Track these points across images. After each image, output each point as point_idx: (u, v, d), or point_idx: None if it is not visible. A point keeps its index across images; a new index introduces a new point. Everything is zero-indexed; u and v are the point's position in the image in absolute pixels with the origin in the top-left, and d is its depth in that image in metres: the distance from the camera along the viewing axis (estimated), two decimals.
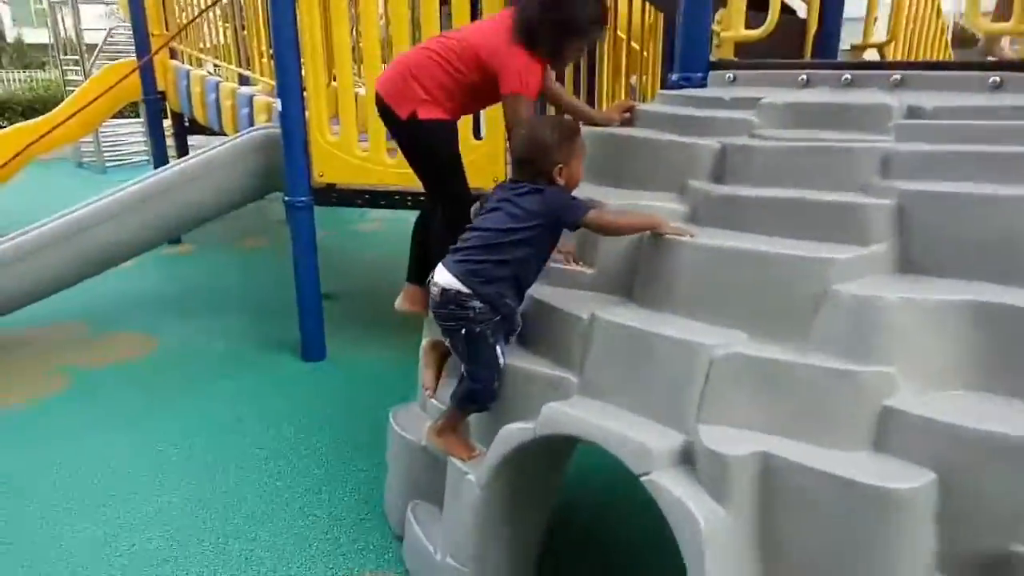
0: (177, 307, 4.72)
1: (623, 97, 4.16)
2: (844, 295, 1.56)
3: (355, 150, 3.47)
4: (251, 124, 4.64)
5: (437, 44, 2.37)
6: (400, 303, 2.66)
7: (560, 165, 1.92)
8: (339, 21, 3.37)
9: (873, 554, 1.38)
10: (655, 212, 1.95)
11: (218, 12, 5.54)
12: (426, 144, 2.43)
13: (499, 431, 1.83)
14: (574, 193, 1.98)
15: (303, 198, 3.52)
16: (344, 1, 3.33)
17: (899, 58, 3.60)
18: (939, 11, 3.84)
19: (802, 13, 3.39)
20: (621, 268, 1.99)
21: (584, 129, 2.18)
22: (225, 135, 5.19)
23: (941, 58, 3.96)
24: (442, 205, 2.49)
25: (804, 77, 2.37)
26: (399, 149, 2.62)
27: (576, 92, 3.81)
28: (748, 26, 2.62)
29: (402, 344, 3.87)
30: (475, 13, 3.17)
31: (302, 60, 3.39)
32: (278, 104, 3.48)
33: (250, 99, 4.77)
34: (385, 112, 2.43)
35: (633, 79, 3.87)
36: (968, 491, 1.36)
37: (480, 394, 1.95)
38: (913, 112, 1.99)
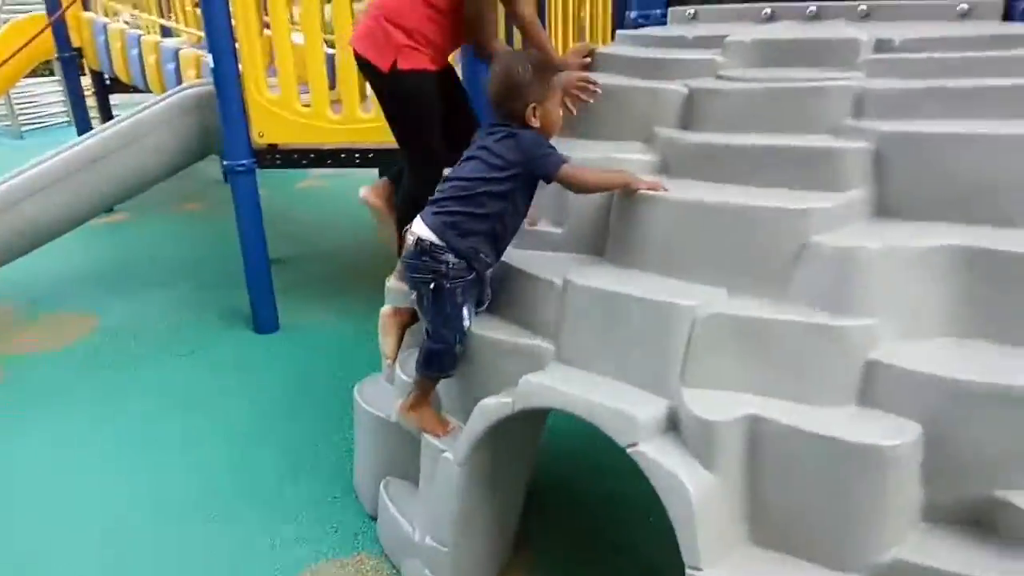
0: (115, 282, 4.46)
1: (572, 35, 4.02)
2: (824, 247, 1.51)
3: (296, 106, 3.27)
4: (179, 81, 4.35)
5: None
6: (365, 191, 2.55)
7: (533, 104, 1.79)
8: None
9: (860, 509, 1.37)
10: (627, 167, 1.85)
11: None
12: (406, 96, 2.29)
13: (476, 406, 1.75)
14: (553, 142, 1.86)
15: (244, 161, 3.31)
16: None
17: None
18: None
19: None
20: (592, 226, 1.90)
21: None
22: (151, 92, 4.87)
23: None
24: (413, 163, 2.36)
25: (768, 11, 2.27)
26: (378, 103, 2.48)
27: None
28: None
29: (358, 310, 3.76)
30: None
31: (231, 7, 3.13)
32: (209, 60, 3.23)
33: (176, 53, 4.46)
34: (365, 67, 2.31)
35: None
36: (953, 441, 1.34)
37: (440, 356, 1.86)
38: (882, 45, 1.91)
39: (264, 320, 3.63)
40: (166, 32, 5.18)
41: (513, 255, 1.95)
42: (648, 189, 1.73)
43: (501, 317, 1.93)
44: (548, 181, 1.81)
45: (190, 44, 4.73)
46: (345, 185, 6.38)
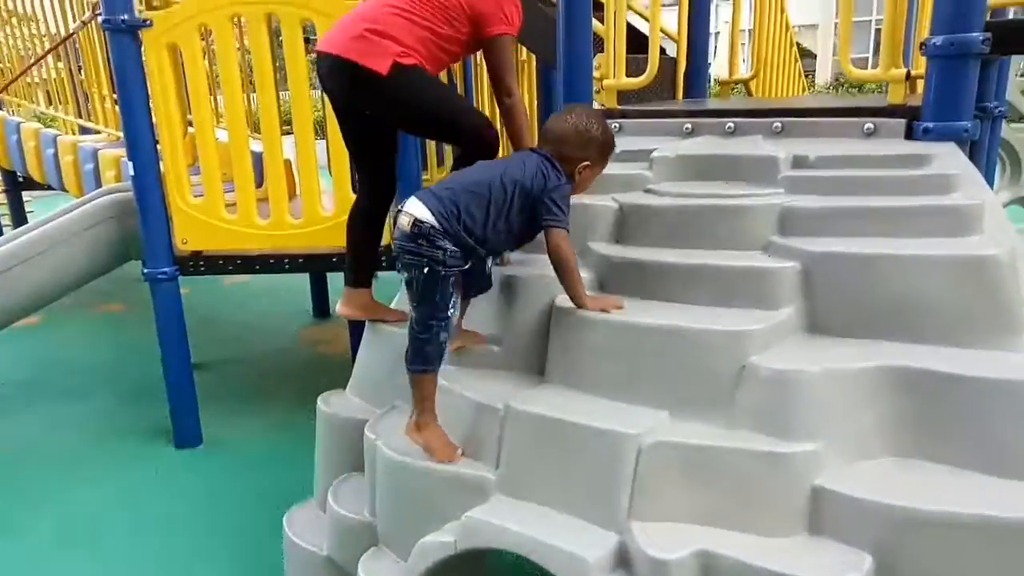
0: (19, 394, 4.14)
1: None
2: (762, 369, 1.52)
3: (221, 212, 3.18)
4: (98, 182, 4.21)
5: (402, 1, 2.10)
6: (342, 307, 2.36)
7: (588, 163, 1.90)
8: (192, 60, 3.02)
9: None
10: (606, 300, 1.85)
11: (47, 44, 5.00)
12: (419, 90, 2.10)
13: (415, 544, 1.65)
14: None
15: (165, 269, 3.18)
16: (196, 36, 3.01)
17: (763, 92, 3.75)
18: (792, 44, 4.05)
19: (672, 52, 3.45)
20: (532, 344, 1.88)
21: None
22: (66, 191, 4.69)
23: (799, 90, 4.18)
24: (469, 147, 2.16)
25: (688, 126, 2.37)
26: (375, 121, 2.21)
27: None
28: (627, 71, 2.61)
29: (287, 420, 3.59)
30: None
31: (152, 106, 3.05)
32: (129, 167, 3.13)
33: (94, 153, 4.33)
34: (354, 76, 2.05)
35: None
36: (904, 569, 1.33)
37: (426, 345, 1.78)
38: (799, 162, 2.01)
39: (185, 434, 3.42)
40: (85, 129, 5.04)
41: (450, 374, 1.90)
42: (599, 309, 1.75)
43: None
44: (541, 228, 1.82)
45: (111, 143, 4.61)
46: (275, 280, 6.21)
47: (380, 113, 2.16)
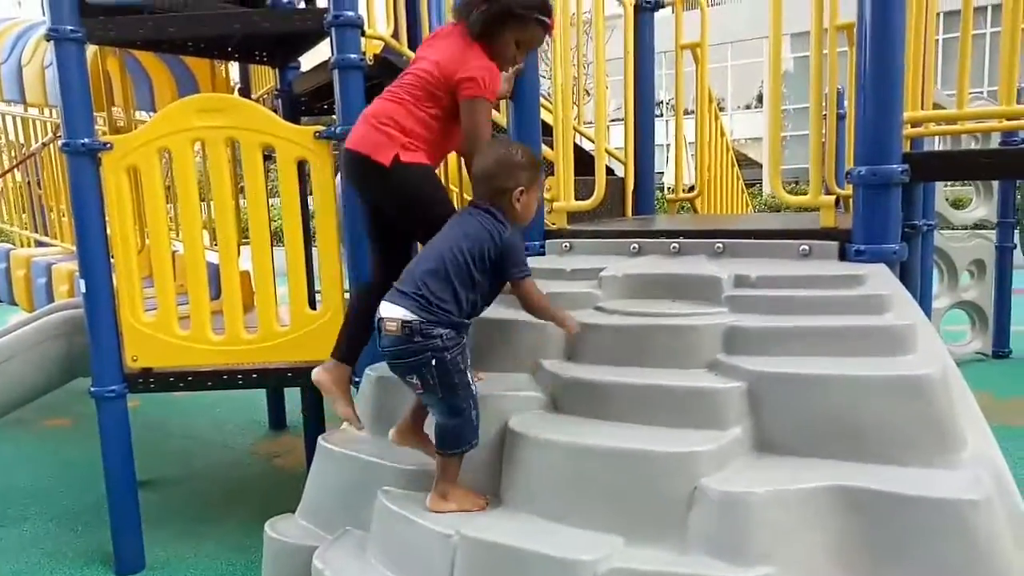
0: None
1: None
2: (713, 491, 1.53)
3: (175, 328, 3.15)
4: (50, 297, 4.16)
5: (399, 86, 2.26)
6: (320, 374, 2.32)
7: (522, 188, 1.95)
8: (151, 182, 3.04)
9: None
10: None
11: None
12: (416, 187, 2.25)
13: None
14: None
15: (113, 387, 3.11)
16: (156, 159, 3.05)
17: (708, 208, 3.94)
18: (733, 164, 4.30)
19: (619, 172, 3.62)
20: (487, 465, 1.87)
21: None
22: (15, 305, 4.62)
23: (742, 206, 4.40)
24: None
25: (635, 246, 2.46)
26: (378, 210, 2.35)
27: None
28: (577, 193, 2.73)
29: (237, 543, 3.43)
30: None
31: (107, 221, 3.05)
32: (81, 285, 3.11)
33: (48, 267, 4.30)
34: (364, 167, 2.24)
35: None
36: None
37: (462, 429, 1.81)
38: (741, 281, 2.10)
39: (127, 559, 3.24)
40: (40, 244, 5.01)
41: (400, 497, 1.87)
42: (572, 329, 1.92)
43: (391, 573, 1.80)
44: (510, 281, 1.92)
45: (65, 255, 4.59)
46: (216, 393, 6.08)
47: (382, 202, 2.32)
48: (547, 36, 2.34)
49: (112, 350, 3.11)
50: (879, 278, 1.97)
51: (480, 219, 1.92)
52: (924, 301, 3.46)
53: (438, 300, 1.80)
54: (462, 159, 2.55)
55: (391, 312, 1.80)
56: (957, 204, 7.65)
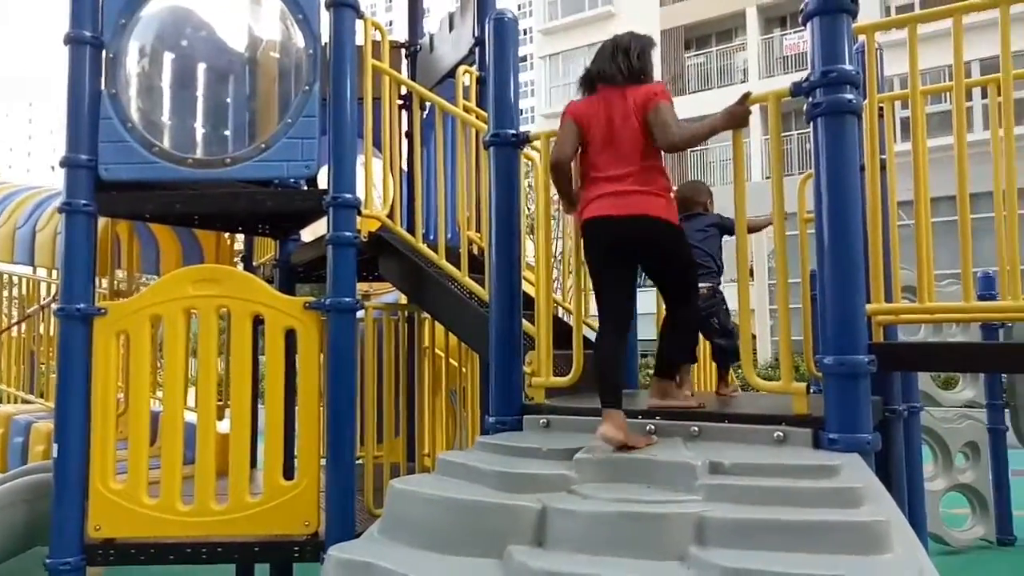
0: None
1: (443, 409, 4.19)
2: None
3: (143, 497, 3.06)
4: (24, 458, 4.08)
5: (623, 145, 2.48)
6: (612, 431, 2.23)
7: (707, 201, 3.26)
8: (139, 348, 3.09)
9: None
10: None
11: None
12: (684, 243, 2.63)
13: None
14: None
15: (70, 559, 2.97)
16: (147, 325, 3.09)
17: (694, 375, 3.95)
18: None
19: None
20: None
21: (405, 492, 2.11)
22: None
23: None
24: (691, 303, 2.60)
25: None
26: (638, 264, 2.61)
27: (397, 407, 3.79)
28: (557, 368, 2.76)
29: None
30: None
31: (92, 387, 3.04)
32: (55, 449, 3.06)
33: (27, 426, 4.24)
34: (663, 229, 2.46)
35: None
36: None
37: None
38: (715, 467, 2.07)
39: None
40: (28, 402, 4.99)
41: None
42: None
43: None
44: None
45: (46, 413, 4.55)
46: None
47: (673, 256, 2.57)
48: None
49: (75, 520, 3.01)
50: (853, 469, 1.95)
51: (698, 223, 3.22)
52: (914, 486, 3.37)
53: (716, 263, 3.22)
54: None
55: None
56: (947, 384, 7.64)
